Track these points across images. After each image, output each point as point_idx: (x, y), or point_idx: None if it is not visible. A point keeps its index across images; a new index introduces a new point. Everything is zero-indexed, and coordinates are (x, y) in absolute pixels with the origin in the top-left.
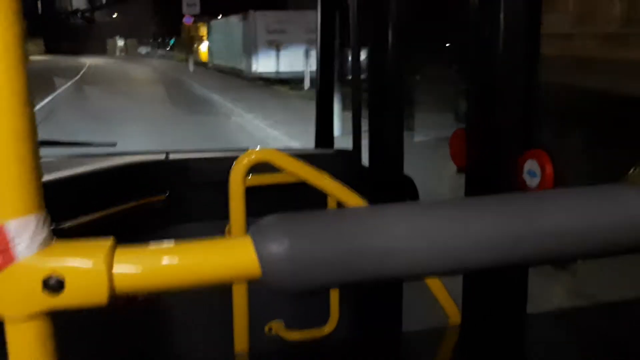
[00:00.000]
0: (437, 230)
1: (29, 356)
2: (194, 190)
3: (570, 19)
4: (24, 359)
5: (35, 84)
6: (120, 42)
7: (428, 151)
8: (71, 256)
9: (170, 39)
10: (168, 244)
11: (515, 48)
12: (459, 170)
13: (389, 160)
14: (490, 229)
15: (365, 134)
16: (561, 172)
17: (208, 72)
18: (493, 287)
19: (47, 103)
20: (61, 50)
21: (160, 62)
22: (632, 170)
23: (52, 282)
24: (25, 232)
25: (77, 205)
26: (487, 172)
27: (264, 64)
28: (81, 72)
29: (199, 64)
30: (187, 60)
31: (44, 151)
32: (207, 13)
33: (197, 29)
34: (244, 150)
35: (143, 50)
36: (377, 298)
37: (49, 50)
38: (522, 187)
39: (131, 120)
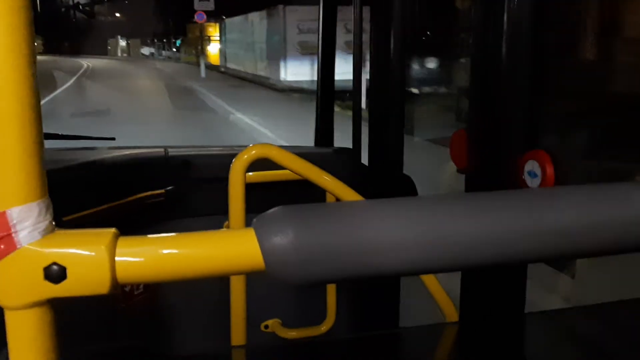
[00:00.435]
0: (440, 225)
1: (29, 344)
2: (193, 186)
3: None
4: (24, 347)
5: None
6: (123, 42)
7: None
8: (73, 244)
9: (177, 39)
10: (171, 235)
11: (517, 49)
12: (459, 171)
13: (388, 159)
14: (492, 224)
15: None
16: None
17: (223, 78)
18: (491, 285)
19: None
20: (61, 50)
21: (165, 64)
22: None
23: (53, 270)
24: (27, 220)
25: (75, 199)
26: (487, 173)
27: (294, 70)
28: (71, 80)
29: (209, 67)
30: (195, 63)
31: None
32: (216, 12)
33: (204, 28)
34: (244, 146)
35: (146, 51)
36: (374, 296)
37: (47, 50)
38: (522, 187)
39: None
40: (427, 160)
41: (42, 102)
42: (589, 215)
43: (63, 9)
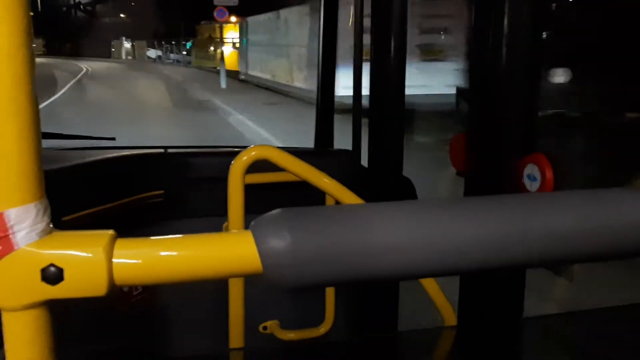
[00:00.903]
0: (439, 229)
1: (26, 346)
2: (192, 186)
3: None
4: (21, 349)
5: None
6: (127, 44)
7: None
8: (71, 246)
9: (187, 41)
10: (169, 237)
11: (517, 53)
12: (459, 174)
13: (388, 161)
14: (490, 228)
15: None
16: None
17: (249, 90)
18: (490, 289)
19: None
20: (63, 52)
21: (174, 69)
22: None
23: (51, 271)
24: (25, 221)
25: (74, 199)
26: (486, 176)
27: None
28: (64, 88)
29: (216, 72)
30: (208, 68)
31: (42, 143)
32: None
33: (214, 30)
34: (243, 147)
35: (153, 53)
36: (372, 299)
37: (48, 51)
38: (521, 191)
39: None
40: None
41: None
42: (588, 220)
43: (64, 9)
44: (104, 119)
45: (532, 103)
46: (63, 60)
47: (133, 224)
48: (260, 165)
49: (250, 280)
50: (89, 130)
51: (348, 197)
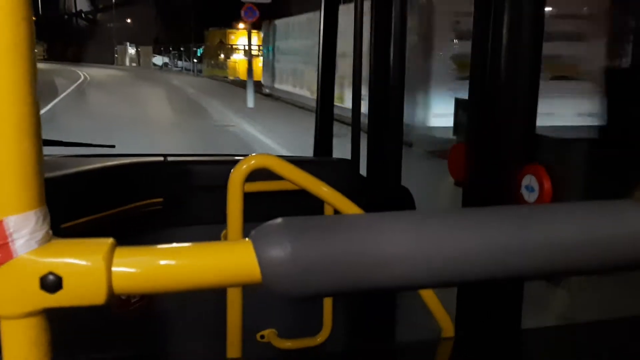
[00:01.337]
0: (439, 239)
1: (24, 354)
2: (191, 194)
3: None
4: (18, 357)
5: None
6: (132, 50)
7: None
8: (70, 254)
9: (198, 47)
10: (168, 245)
11: (517, 64)
12: (457, 184)
13: (387, 171)
14: (490, 240)
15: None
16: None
17: (283, 110)
18: (488, 300)
19: None
20: (65, 57)
21: (184, 79)
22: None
23: (49, 280)
24: (24, 228)
25: (74, 206)
26: (485, 186)
27: (445, 108)
28: (54, 100)
29: (237, 83)
30: (223, 79)
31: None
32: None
33: (225, 35)
34: (243, 155)
35: (159, 60)
36: (370, 308)
37: (50, 57)
38: (520, 201)
39: None
40: None
41: None
42: (588, 232)
43: (66, 16)
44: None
45: (532, 114)
46: (63, 67)
47: (132, 231)
48: (258, 174)
49: (249, 288)
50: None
51: (347, 206)
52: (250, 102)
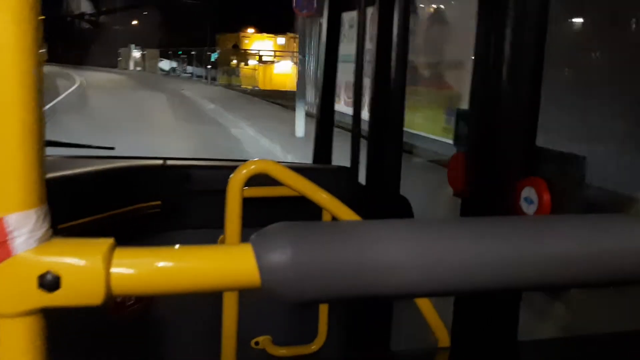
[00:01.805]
0: (438, 249)
1: (20, 353)
2: (190, 198)
3: None
4: (14, 356)
5: None
6: (137, 53)
7: None
8: (69, 253)
9: (212, 51)
10: (168, 247)
11: (519, 74)
12: (456, 194)
13: (385, 179)
14: (488, 250)
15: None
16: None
17: (348, 144)
18: (484, 311)
19: None
20: (66, 59)
21: (196, 88)
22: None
23: (47, 279)
24: (24, 227)
25: (72, 207)
26: (484, 197)
27: None
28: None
29: (253, 94)
30: (240, 88)
31: None
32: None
33: (238, 38)
34: (242, 160)
35: (166, 65)
36: (366, 316)
37: (50, 59)
38: (518, 213)
39: None
40: None
41: None
42: (586, 246)
43: (68, 18)
44: None
45: (533, 125)
46: (59, 69)
47: (129, 233)
48: (257, 179)
49: (245, 294)
50: None
51: (345, 213)
52: (300, 131)
